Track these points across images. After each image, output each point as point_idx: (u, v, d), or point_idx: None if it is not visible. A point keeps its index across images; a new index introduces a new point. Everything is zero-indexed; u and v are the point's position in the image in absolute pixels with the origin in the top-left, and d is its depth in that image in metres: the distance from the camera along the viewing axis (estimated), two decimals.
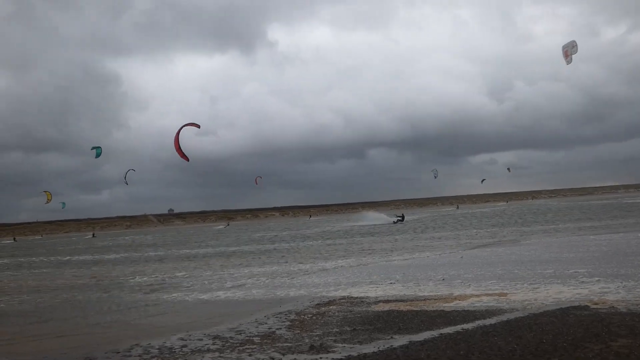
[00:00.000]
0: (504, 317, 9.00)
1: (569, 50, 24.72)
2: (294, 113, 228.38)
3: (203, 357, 7.74)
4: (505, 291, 11.96)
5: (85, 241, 77.15)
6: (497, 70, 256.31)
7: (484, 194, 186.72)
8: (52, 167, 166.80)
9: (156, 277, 22.13)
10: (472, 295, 11.70)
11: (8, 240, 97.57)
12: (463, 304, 10.70)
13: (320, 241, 40.43)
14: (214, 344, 8.55)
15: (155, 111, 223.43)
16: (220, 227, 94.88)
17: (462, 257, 21.07)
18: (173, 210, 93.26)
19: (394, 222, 57.09)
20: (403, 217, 59.61)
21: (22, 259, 42.50)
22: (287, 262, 25.19)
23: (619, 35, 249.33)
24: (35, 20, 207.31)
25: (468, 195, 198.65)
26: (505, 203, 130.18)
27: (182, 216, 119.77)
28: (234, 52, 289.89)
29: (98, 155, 49.28)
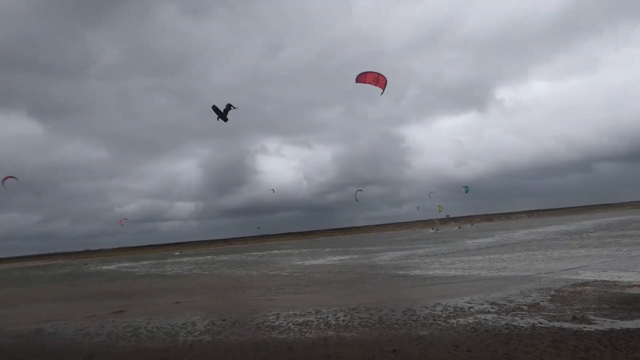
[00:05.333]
0: None
1: None
2: (523, 144, 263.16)
3: (486, 316, 8.48)
4: None
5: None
6: None
7: None
8: (371, 193, 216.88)
9: (414, 262, 23.89)
10: None
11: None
12: None
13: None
14: (492, 307, 9.28)
15: (427, 155, 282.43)
16: (456, 228, 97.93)
17: None
18: (449, 216, 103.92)
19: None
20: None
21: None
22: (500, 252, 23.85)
23: None
24: (355, 113, 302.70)
25: None
26: None
27: (455, 219, 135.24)
28: (472, 111, 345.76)
29: (466, 191, 57.45)
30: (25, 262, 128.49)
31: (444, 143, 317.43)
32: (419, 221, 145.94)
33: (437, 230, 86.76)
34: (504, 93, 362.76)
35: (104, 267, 50.61)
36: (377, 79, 14.97)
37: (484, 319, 8.27)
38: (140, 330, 9.79)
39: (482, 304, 9.70)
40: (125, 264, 54.39)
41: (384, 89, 14.69)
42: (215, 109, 12.86)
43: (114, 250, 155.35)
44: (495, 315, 8.53)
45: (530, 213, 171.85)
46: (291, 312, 10.45)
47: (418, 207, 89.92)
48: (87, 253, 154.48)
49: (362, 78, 14.77)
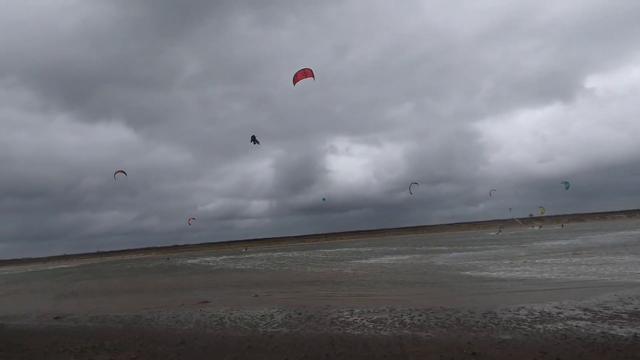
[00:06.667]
0: None
1: None
2: (621, 136, 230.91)
3: (578, 323, 7.81)
4: None
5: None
6: None
7: None
8: (445, 192, 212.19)
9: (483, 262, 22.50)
10: None
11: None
12: None
13: None
14: (585, 314, 8.50)
15: (505, 150, 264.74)
16: (536, 227, 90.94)
17: None
18: (532, 215, 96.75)
19: None
20: None
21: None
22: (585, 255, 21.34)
23: None
24: (425, 109, 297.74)
25: None
26: None
27: (540, 219, 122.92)
28: (556, 102, 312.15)
29: (567, 187, 55.50)
30: (123, 255, 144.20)
31: (525, 137, 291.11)
32: (496, 220, 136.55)
33: (500, 232, 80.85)
34: (594, 81, 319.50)
35: (188, 261, 54.95)
36: (304, 73, 17.77)
37: (576, 326, 7.63)
38: (224, 320, 10.54)
39: (572, 310, 8.93)
40: (207, 259, 58.53)
41: (313, 76, 17.94)
42: (253, 137, 21.41)
43: (197, 245, 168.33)
44: (589, 323, 7.84)
45: (631, 213, 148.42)
46: (364, 309, 10.52)
47: (510, 208, 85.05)
48: (176, 248, 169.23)
49: (295, 80, 17.41)
